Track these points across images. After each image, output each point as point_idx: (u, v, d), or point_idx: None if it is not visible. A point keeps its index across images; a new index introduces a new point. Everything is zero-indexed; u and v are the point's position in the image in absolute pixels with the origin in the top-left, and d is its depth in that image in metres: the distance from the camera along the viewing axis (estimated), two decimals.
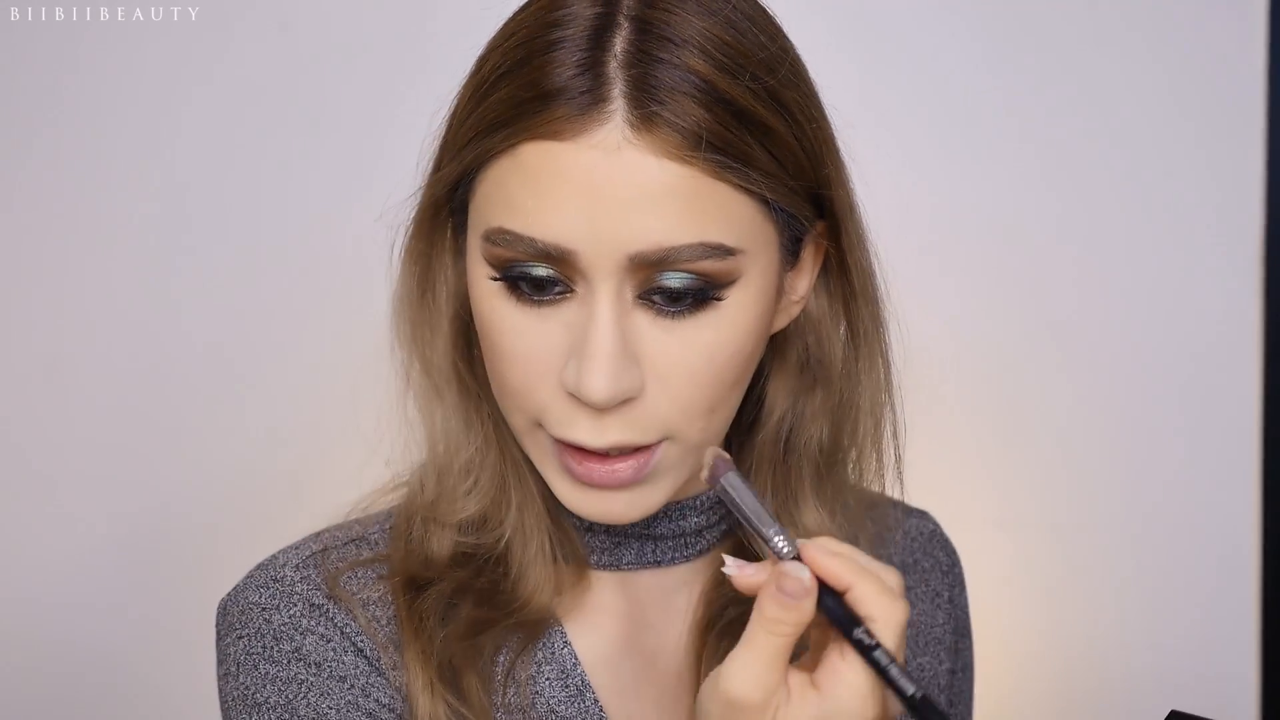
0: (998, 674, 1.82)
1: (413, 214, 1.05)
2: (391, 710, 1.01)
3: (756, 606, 0.88)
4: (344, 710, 0.99)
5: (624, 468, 0.97)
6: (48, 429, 1.69)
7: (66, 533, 1.69)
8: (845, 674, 0.87)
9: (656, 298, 0.95)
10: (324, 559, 1.05)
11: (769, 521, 0.89)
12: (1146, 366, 1.85)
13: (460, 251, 1.04)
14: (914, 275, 1.80)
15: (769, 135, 0.95)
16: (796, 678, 0.88)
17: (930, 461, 1.82)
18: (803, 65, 1.00)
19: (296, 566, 1.05)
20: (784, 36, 1.00)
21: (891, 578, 0.89)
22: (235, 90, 1.68)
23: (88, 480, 1.70)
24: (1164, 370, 1.85)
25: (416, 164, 1.03)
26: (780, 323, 1.04)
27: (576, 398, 0.95)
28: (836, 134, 1.01)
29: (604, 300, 0.93)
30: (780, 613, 0.87)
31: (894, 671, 0.86)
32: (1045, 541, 1.84)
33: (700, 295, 0.95)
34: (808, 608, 0.87)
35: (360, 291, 1.53)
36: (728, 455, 0.92)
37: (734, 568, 0.90)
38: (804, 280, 1.04)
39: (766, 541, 0.89)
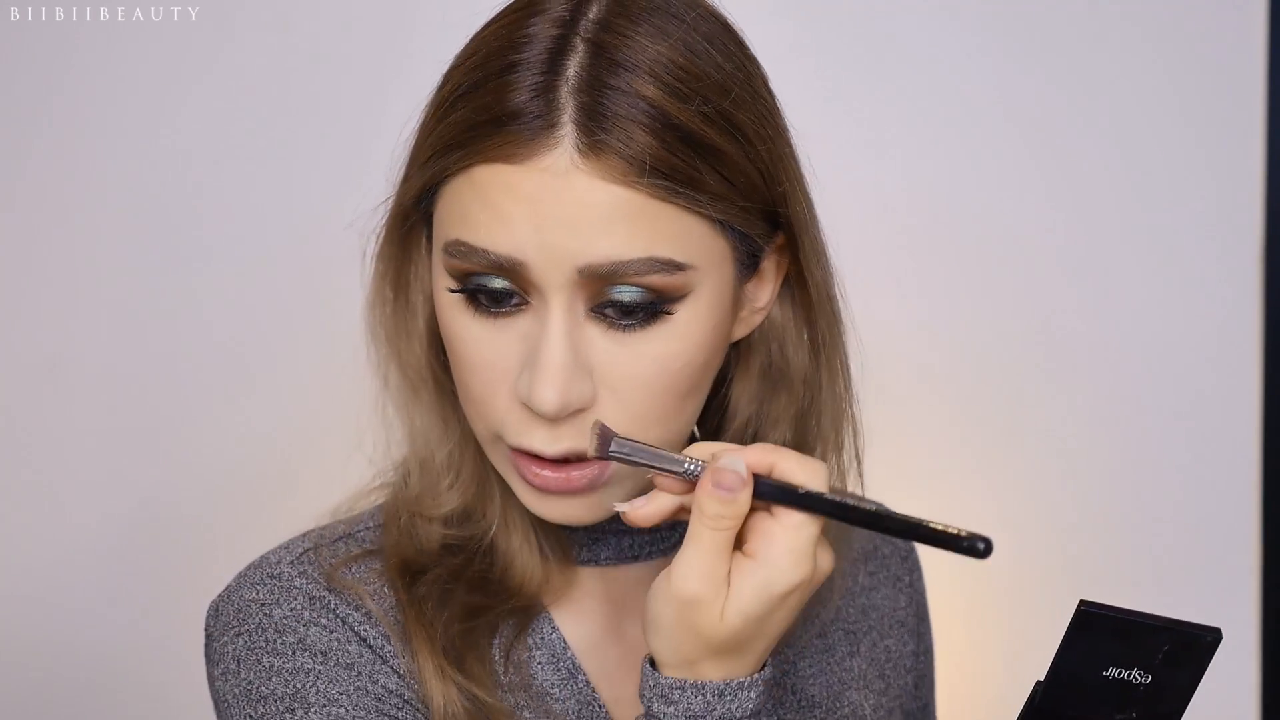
0: (997, 673, 1.82)
1: (383, 220, 1.07)
2: (398, 695, 1.02)
3: (696, 508, 0.93)
4: (353, 696, 1.01)
5: (579, 476, 1.00)
6: (44, 429, 1.71)
7: (62, 533, 1.71)
8: (779, 536, 0.92)
9: (609, 311, 0.97)
10: (317, 555, 1.07)
11: (672, 457, 0.95)
12: (1147, 365, 1.84)
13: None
14: (911, 275, 1.81)
15: (719, 158, 0.96)
16: (733, 559, 0.93)
17: (930, 460, 1.83)
18: (760, 81, 1.01)
19: (291, 563, 1.06)
20: (743, 53, 1.01)
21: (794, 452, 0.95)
22: (235, 90, 1.69)
23: (81, 481, 1.71)
24: (1164, 370, 1.84)
25: (385, 173, 1.04)
26: (740, 332, 1.06)
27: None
28: (796, 148, 1.03)
29: (555, 313, 0.96)
30: (721, 508, 0.92)
31: (851, 501, 0.93)
32: (1044, 542, 1.84)
33: (651, 309, 0.97)
34: (744, 499, 0.92)
35: (348, 293, 1.54)
36: (603, 423, 0.96)
37: (626, 506, 0.96)
38: (766, 290, 1.06)
39: (681, 471, 0.94)
